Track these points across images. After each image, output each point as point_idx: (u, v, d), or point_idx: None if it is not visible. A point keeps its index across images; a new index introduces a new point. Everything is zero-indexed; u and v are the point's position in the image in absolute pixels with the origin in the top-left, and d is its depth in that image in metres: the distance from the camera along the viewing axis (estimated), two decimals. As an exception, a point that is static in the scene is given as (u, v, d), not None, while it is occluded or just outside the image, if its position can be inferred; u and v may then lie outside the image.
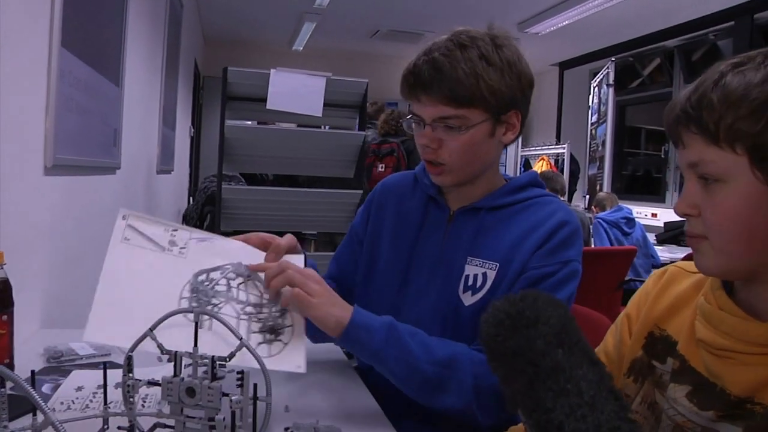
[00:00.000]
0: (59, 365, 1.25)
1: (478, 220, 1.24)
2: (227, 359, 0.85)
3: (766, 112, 0.70)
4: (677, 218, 0.89)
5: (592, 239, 4.46)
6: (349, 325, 1.07)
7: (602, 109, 6.60)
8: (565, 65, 8.75)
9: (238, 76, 3.21)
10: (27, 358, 1.25)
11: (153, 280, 1.05)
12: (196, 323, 0.86)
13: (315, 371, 1.30)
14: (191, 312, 0.87)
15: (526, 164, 8.33)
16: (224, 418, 0.80)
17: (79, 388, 1.12)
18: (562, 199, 4.29)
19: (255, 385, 0.82)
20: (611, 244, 4.39)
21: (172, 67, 4.28)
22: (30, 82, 1.46)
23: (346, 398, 1.19)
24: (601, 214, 4.64)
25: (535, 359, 0.68)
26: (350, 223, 1.45)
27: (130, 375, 0.84)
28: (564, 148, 7.39)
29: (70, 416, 0.86)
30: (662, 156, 6.92)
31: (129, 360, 0.85)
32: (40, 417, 0.73)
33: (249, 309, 1.06)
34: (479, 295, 1.19)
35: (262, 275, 1.09)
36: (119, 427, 0.85)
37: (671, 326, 0.88)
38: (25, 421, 0.79)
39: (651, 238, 4.72)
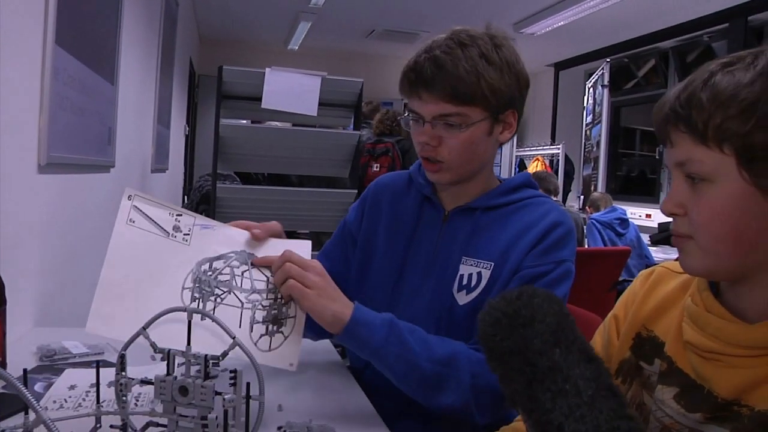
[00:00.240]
0: (52, 364, 1.25)
1: (473, 220, 1.25)
2: (220, 358, 0.85)
3: (755, 113, 0.70)
4: (671, 219, 0.88)
5: (586, 240, 4.47)
6: (350, 322, 1.06)
7: (597, 109, 6.60)
8: (560, 66, 8.77)
9: (233, 75, 3.20)
10: (20, 356, 1.24)
11: (156, 270, 1.04)
12: (190, 322, 0.86)
13: (308, 371, 1.30)
14: (184, 311, 0.87)
15: (521, 164, 8.34)
16: (217, 417, 0.80)
17: (72, 387, 1.12)
18: (555, 199, 4.30)
19: (248, 384, 0.82)
20: (605, 245, 4.40)
21: (167, 65, 4.27)
22: (24, 80, 1.45)
23: (339, 398, 1.19)
24: (595, 215, 4.65)
25: (533, 359, 0.68)
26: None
27: (123, 374, 0.84)
28: (559, 149, 7.41)
29: (62, 415, 0.86)
30: (657, 157, 6.94)
31: (122, 358, 0.84)
32: (32, 416, 0.73)
33: (254, 296, 1.05)
34: (474, 294, 1.19)
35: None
36: (112, 426, 0.85)
37: (658, 327, 0.88)
38: (17, 419, 0.79)
39: (645, 238, 4.73)
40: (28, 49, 1.46)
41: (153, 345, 0.87)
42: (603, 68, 6.45)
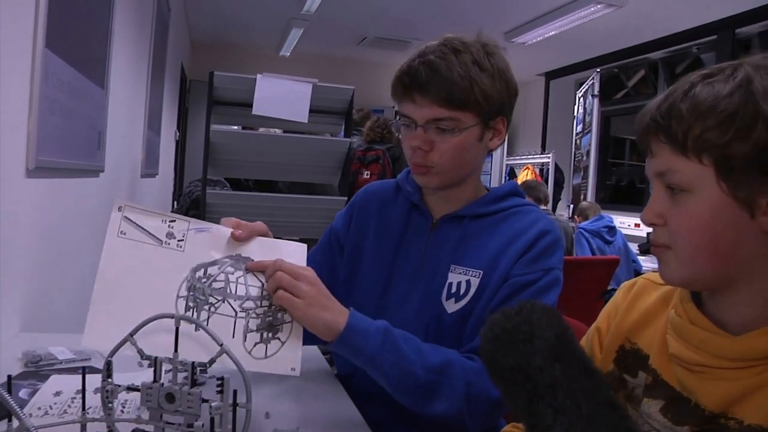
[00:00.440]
0: (38, 370, 1.23)
1: (462, 228, 1.25)
2: (207, 365, 0.84)
3: (733, 124, 0.70)
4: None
5: (575, 249, 4.48)
6: (345, 330, 1.06)
7: (587, 119, 6.64)
8: (551, 75, 8.82)
9: (224, 80, 3.20)
10: (5, 362, 1.23)
11: (150, 280, 1.03)
12: (177, 329, 0.85)
13: (296, 378, 1.29)
14: (172, 317, 0.86)
15: (511, 173, 8.36)
16: (203, 425, 0.79)
17: (58, 393, 1.10)
18: (544, 208, 4.31)
19: (235, 392, 0.82)
20: (593, 254, 4.42)
21: (159, 70, 4.26)
22: (13, 83, 1.44)
23: (327, 405, 1.18)
24: (583, 224, 4.67)
25: (534, 376, 0.69)
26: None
27: (110, 380, 0.83)
28: (549, 158, 7.44)
29: (47, 422, 0.86)
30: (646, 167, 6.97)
31: (108, 365, 0.84)
32: (15, 422, 0.72)
33: (248, 304, 1.04)
34: (463, 302, 1.20)
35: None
36: (97, 433, 0.84)
37: (642, 339, 0.88)
38: (1, 426, 0.78)
39: (633, 248, 4.76)
40: (18, 53, 1.46)
41: (140, 352, 0.86)
42: (593, 78, 6.49)
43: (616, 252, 4.49)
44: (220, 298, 1.03)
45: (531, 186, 4.57)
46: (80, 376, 0.85)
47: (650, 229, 0.81)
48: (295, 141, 3.43)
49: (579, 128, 6.97)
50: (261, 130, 3.84)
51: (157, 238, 1.06)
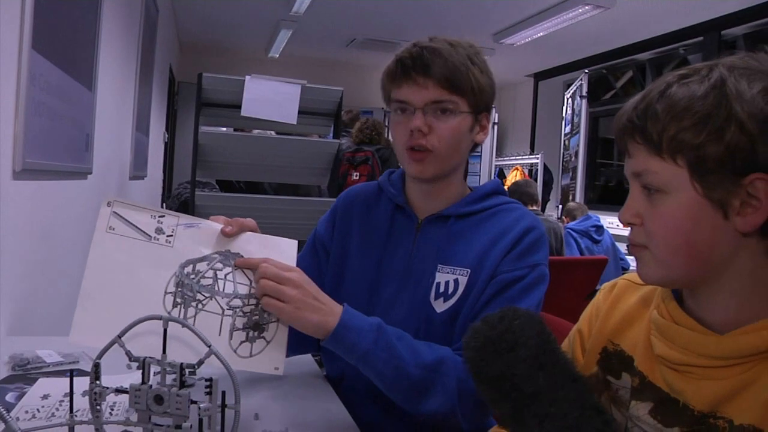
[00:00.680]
0: (25, 373, 1.23)
1: (447, 228, 1.25)
2: (196, 366, 0.84)
3: (707, 126, 0.71)
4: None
5: (565, 249, 4.50)
6: (337, 326, 1.06)
7: (575, 120, 6.68)
8: (539, 76, 8.85)
9: (213, 82, 3.19)
10: (-8, 365, 1.22)
11: (138, 276, 1.03)
12: (165, 330, 0.85)
13: (286, 380, 1.30)
14: (160, 319, 0.86)
15: (500, 174, 8.39)
16: (192, 426, 0.79)
17: (45, 397, 1.10)
18: (534, 208, 4.33)
19: (223, 393, 0.82)
20: (581, 254, 4.44)
21: (147, 72, 4.24)
22: (-1, 85, 1.44)
23: (316, 407, 1.18)
24: (570, 224, 4.69)
25: (519, 384, 0.69)
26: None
27: (98, 382, 0.83)
28: (538, 159, 7.47)
29: (35, 425, 0.85)
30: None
31: (96, 367, 0.84)
32: (1, 426, 0.72)
33: (235, 302, 1.04)
34: (451, 301, 1.20)
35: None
36: (85, 436, 0.84)
37: (625, 341, 0.88)
38: (-12, 429, 0.78)
39: (622, 248, 4.78)
40: (4, 54, 1.45)
41: (128, 353, 0.86)
42: (581, 79, 6.54)
43: (604, 251, 4.51)
44: (207, 295, 1.03)
45: (521, 184, 4.58)
46: (68, 379, 0.85)
47: None
48: (284, 142, 3.43)
49: (567, 129, 7.01)
50: (255, 132, 3.84)
51: (146, 234, 1.06)
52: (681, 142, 0.72)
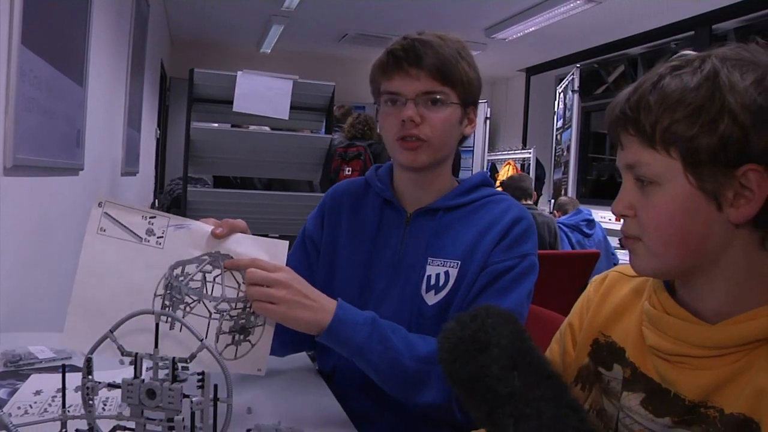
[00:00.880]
0: (17, 369, 1.23)
1: (436, 221, 1.26)
2: (188, 360, 0.84)
3: (700, 118, 0.71)
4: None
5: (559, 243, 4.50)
6: (333, 321, 1.07)
7: (567, 114, 6.69)
8: (531, 71, 8.85)
9: (204, 77, 3.19)
10: (-16, 362, 1.22)
11: (129, 278, 1.03)
12: (157, 324, 0.85)
13: (278, 374, 1.30)
14: (152, 313, 0.86)
15: (493, 168, 8.40)
16: (183, 419, 0.79)
17: (38, 392, 1.10)
18: (528, 203, 4.33)
19: (216, 387, 0.82)
20: (572, 248, 4.44)
21: (138, 67, 4.23)
22: (-11, 81, 1.43)
23: (309, 401, 1.19)
24: (561, 219, 4.69)
25: (493, 386, 0.69)
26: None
27: (90, 377, 0.83)
28: (530, 153, 7.48)
29: (27, 421, 0.85)
30: (626, 161, 7.02)
31: (89, 362, 0.84)
32: (-5, 420, 0.72)
33: (223, 305, 1.04)
34: (442, 293, 1.21)
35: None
36: (77, 430, 0.84)
37: (616, 332, 0.88)
38: (-19, 425, 0.78)
39: (614, 242, 4.79)
40: (-6, 50, 1.44)
41: (120, 348, 0.86)
42: (573, 74, 6.54)
43: (595, 245, 4.52)
44: (196, 298, 1.03)
45: (515, 178, 4.58)
46: (60, 375, 0.85)
47: None
48: (276, 138, 3.43)
49: (559, 123, 7.02)
50: (252, 128, 3.83)
51: (137, 235, 1.06)
52: (674, 134, 0.73)
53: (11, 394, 1.09)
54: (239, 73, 3.14)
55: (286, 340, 1.08)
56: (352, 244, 1.32)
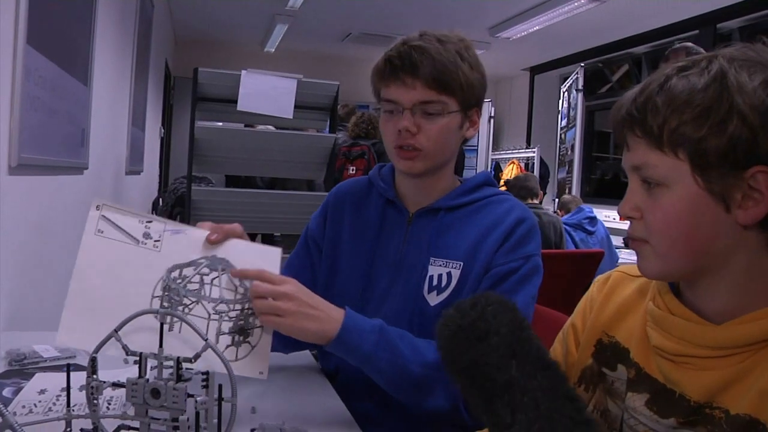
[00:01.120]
0: (22, 368, 1.23)
1: (438, 221, 1.26)
2: (192, 360, 0.84)
3: (708, 119, 0.70)
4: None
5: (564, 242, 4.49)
6: (341, 330, 1.07)
7: (571, 113, 6.68)
8: (535, 70, 8.84)
9: (208, 76, 3.18)
10: (-12, 361, 1.23)
11: (126, 279, 1.03)
12: (162, 324, 0.86)
13: (282, 374, 1.30)
14: (156, 313, 0.87)
15: (497, 167, 8.40)
16: (188, 419, 0.79)
17: (42, 391, 1.10)
18: (534, 202, 4.32)
19: (220, 386, 0.82)
20: (576, 247, 4.43)
21: (142, 66, 4.23)
22: (-6, 80, 1.43)
23: (313, 401, 1.19)
24: (563, 218, 4.68)
25: (491, 374, 0.69)
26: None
27: (95, 377, 0.83)
28: (534, 152, 7.48)
29: (32, 420, 0.85)
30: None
31: (93, 361, 0.84)
32: None
33: (221, 307, 1.05)
34: (445, 294, 1.21)
35: (236, 264, 1.08)
36: (82, 429, 0.84)
37: (619, 333, 0.88)
38: (-14, 424, 0.78)
39: (618, 241, 4.78)
40: (-1, 49, 1.45)
41: (125, 347, 0.86)
42: (577, 73, 6.53)
43: (598, 241, 4.51)
44: (194, 299, 1.03)
45: (521, 178, 4.56)
46: (65, 374, 0.85)
47: None
48: (280, 137, 3.42)
49: (563, 123, 7.01)
50: (260, 127, 3.83)
51: (134, 238, 1.06)
52: (682, 135, 0.72)
53: (16, 392, 1.10)
54: (243, 72, 3.14)
55: (289, 339, 1.08)
56: (355, 243, 1.32)
